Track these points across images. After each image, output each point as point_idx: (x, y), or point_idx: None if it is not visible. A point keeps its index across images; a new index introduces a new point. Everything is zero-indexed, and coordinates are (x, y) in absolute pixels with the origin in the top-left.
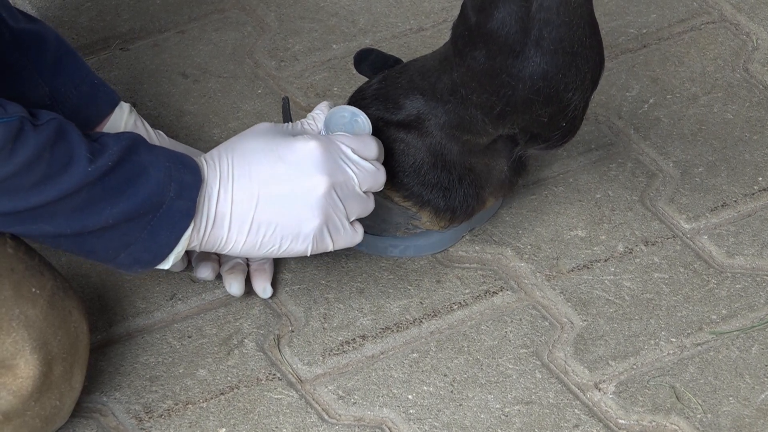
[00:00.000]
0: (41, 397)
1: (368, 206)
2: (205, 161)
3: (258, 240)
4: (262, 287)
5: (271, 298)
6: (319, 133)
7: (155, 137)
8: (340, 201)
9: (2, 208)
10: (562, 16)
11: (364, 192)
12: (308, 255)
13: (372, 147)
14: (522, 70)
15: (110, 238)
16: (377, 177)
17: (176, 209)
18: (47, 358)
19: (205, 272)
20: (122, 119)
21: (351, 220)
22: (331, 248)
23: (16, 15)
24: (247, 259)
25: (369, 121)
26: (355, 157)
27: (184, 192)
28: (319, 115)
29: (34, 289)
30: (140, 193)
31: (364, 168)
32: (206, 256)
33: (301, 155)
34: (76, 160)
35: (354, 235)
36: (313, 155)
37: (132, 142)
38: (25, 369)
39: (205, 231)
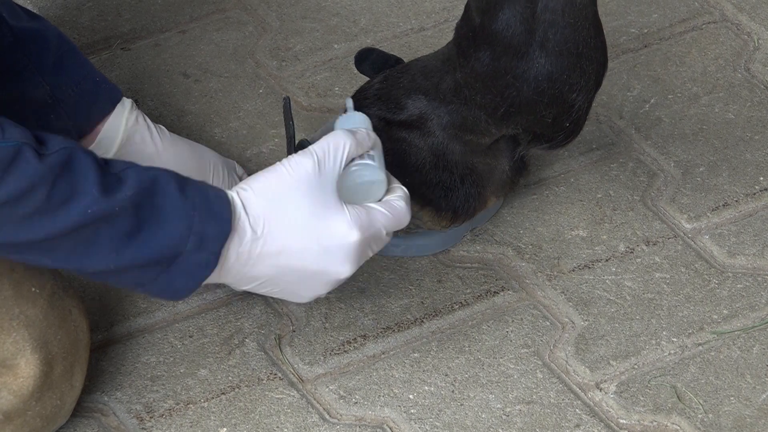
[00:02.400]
0: (42, 396)
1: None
2: (243, 206)
3: (263, 290)
4: None
5: (271, 297)
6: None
7: (157, 133)
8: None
9: None
10: (568, 18)
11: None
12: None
13: (404, 222)
14: (527, 72)
15: (120, 279)
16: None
17: (194, 261)
18: (48, 357)
19: None
20: (123, 116)
21: None
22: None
23: (17, 12)
24: None
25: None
26: (386, 239)
27: (205, 244)
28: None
29: (33, 289)
30: (152, 244)
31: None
32: None
33: (338, 244)
34: (78, 197)
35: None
36: (351, 249)
37: (154, 181)
38: (26, 369)
39: (216, 275)
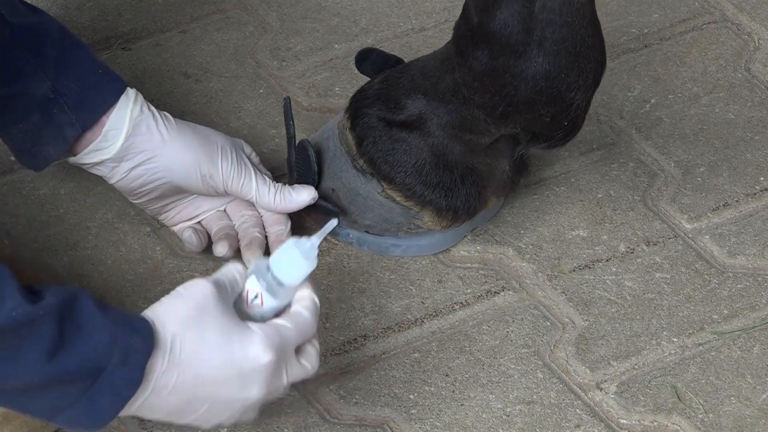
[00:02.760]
0: None
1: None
2: (157, 333)
3: (176, 418)
4: None
5: None
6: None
7: (162, 122)
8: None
9: None
10: (565, 17)
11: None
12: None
13: (310, 330)
14: (525, 71)
15: (42, 399)
16: (305, 374)
17: (119, 378)
18: None
19: (222, 250)
20: (128, 108)
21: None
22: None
23: (16, 8)
24: (264, 230)
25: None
26: (294, 360)
27: (129, 358)
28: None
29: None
30: (76, 354)
31: (299, 375)
32: (224, 234)
33: (252, 367)
34: (2, 301)
35: (307, 372)
36: (262, 368)
37: (73, 295)
38: None
39: (137, 398)
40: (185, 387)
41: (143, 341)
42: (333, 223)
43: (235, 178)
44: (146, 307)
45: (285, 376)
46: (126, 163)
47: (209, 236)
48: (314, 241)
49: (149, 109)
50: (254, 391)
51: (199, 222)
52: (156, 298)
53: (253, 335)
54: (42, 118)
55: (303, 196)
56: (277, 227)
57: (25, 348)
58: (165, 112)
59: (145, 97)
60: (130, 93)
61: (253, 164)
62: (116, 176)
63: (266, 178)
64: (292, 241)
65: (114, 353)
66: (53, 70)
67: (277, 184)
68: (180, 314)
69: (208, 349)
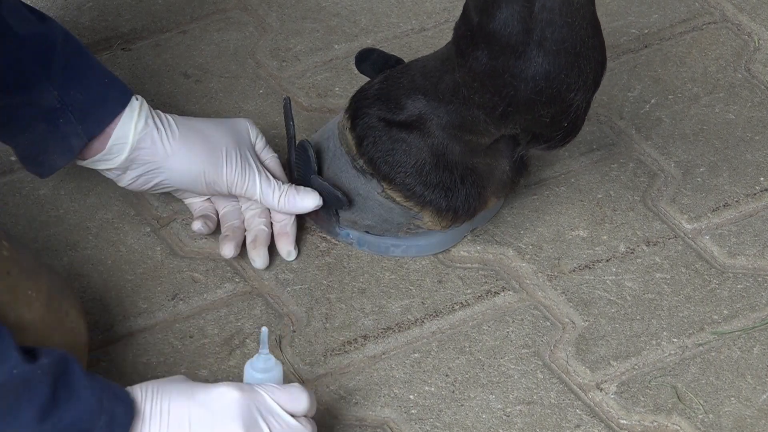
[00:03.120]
0: None
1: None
2: (133, 393)
3: None
4: (287, 251)
5: (272, 298)
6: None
7: (166, 134)
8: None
9: None
10: (565, 17)
11: None
12: None
13: (302, 401)
14: (524, 71)
15: (158, 299)
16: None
17: None
18: None
19: (228, 252)
20: (132, 120)
21: None
22: None
23: (23, 16)
24: (270, 222)
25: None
26: (280, 412)
27: (113, 424)
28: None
29: (30, 292)
30: (69, 415)
31: (288, 425)
32: (230, 231)
33: (220, 404)
34: (3, 359)
35: None
36: (233, 406)
37: (64, 357)
38: None
39: None
40: None
41: (125, 408)
42: (264, 331)
43: (239, 182)
44: (146, 307)
45: (266, 427)
46: (132, 172)
47: (218, 217)
48: (263, 352)
49: (154, 120)
50: (230, 427)
51: (208, 198)
52: (156, 297)
53: (220, 383)
54: (48, 127)
55: (307, 202)
56: (282, 217)
57: (21, 406)
58: (169, 118)
59: (145, 97)
60: (135, 104)
61: (257, 162)
62: (123, 182)
63: (270, 179)
64: (249, 363)
65: (101, 417)
66: (59, 79)
67: (282, 186)
68: (153, 381)
69: (177, 396)
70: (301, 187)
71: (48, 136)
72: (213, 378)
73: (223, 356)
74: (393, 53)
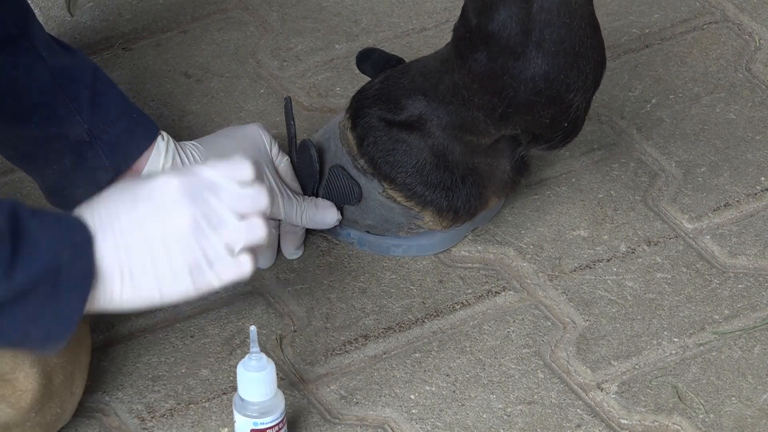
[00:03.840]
0: (42, 408)
1: (256, 232)
2: (83, 215)
3: (135, 287)
4: (291, 250)
5: (272, 298)
6: None
7: (196, 157)
8: (212, 231)
9: None
10: (563, 18)
11: (247, 217)
12: (194, 294)
13: (245, 169)
14: (523, 72)
15: (11, 318)
16: (257, 200)
17: (77, 269)
18: (46, 369)
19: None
20: (160, 158)
21: (236, 249)
22: (216, 283)
23: (53, 49)
24: (278, 224)
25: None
26: (225, 182)
27: (78, 252)
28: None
29: None
30: (34, 260)
31: (236, 192)
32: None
33: (159, 193)
34: None
35: (239, 266)
36: (172, 190)
37: (14, 208)
38: (25, 382)
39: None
40: (112, 244)
41: (82, 233)
42: (253, 329)
43: None
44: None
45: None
46: None
47: None
48: (254, 351)
49: (180, 156)
50: (175, 216)
51: None
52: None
53: (156, 175)
54: (76, 160)
55: (327, 219)
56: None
57: None
58: (194, 151)
59: (145, 97)
60: (161, 143)
61: (276, 179)
62: None
63: (291, 197)
64: (241, 363)
65: (64, 252)
66: (88, 112)
67: (302, 202)
68: (97, 197)
69: (117, 200)
70: (320, 202)
71: (75, 169)
72: (214, 378)
73: (224, 356)
74: (394, 53)
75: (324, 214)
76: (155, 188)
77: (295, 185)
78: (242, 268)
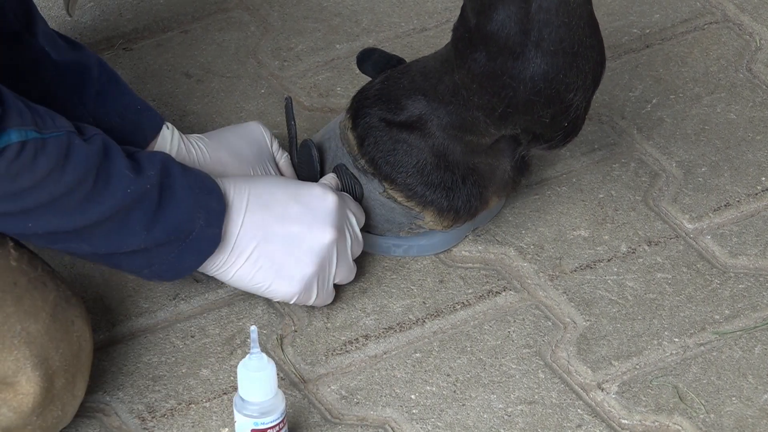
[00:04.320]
0: (43, 411)
1: (351, 274)
2: (223, 187)
3: (253, 271)
4: None
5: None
6: None
7: (196, 158)
8: (336, 258)
9: (48, 227)
10: (562, 17)
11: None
12: (291, 302)
13: (363, 217)
14: (523, 72)
15: (140, 258)
16: (361, 247)
17: (205, 237)
18: (48, 373)
19: None
20: (167, 142)
21: (334, 282)
22: (311, 302)
23: (57, 44)
24: None
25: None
26: (354, 222)
27: (212, 219)
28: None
29: (36, 303)
30: (172, 219)
31: (357, 235)
32: None
33: (318, 202)
34: (118, 179)
35: (329, 297)
36: (330, 206)
37: (165, 163)
38: (26, 386)
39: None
40: (255, 226)
41: (218, 203)
42: (254, 329)
43: None
44: (148, 307)
45: (348, 237)
46: None
47: None
48: (255, 351)
49: (185, 145)
50: (323, 230)
51: None
52: (157, 297)
53: (317, 184)
54: None
55: None
56: None
57: (131, 219)
58: (199, 142)
59: (146, 97)
60: (167, 133)
61: (277, 172)
62: None
63: None
64: (241, 364)
65: (200, 214)
66: (93, 106)
67: None
68: (249, 177)
69: (275, 190)
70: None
71: None
72: (215, 378)
73: (225, 356)
74: (394, 53)
75: None
76: (316, 195)
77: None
78: (330, 299)
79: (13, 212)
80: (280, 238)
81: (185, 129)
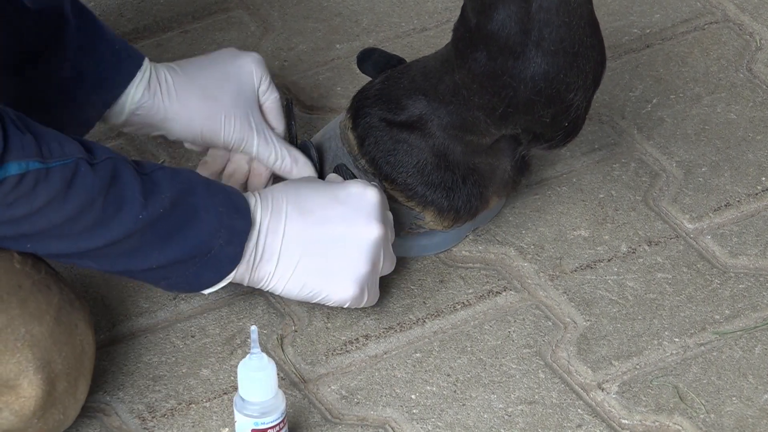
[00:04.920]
0: (44, 414)
1: (393, 266)
2: (259, 196)
3: (304, 279)
4: (252, 188)
5: (273, 297)
6: None
7: (167, 95)
8: (383, 253)
9: (50, 250)
10: (562, 17)
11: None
12: (346, 305)
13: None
14: (523, 72)
15: (155, 274)
16: (394, 235)
17: (224, 255)
18: (50, 376)
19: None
20: (137, 78)
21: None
22: (363, 303)
23: None
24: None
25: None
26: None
27: (234, 238)
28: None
29: (41, 305)
30: (190, 240)
31: (392, 223)
32: (209, 162)
33: (359, 199)
34: (128, 205)
35: (377, 296)
36: (372, 201)
37: (188, 183)
38: (28, 389)
39: (253, 265)
40: (298, 234)
41: (244, 220)
42: (254, 329)
43: (236, 144)
44: (148, 307)
45: (390, 228)
46: (131, 127)
47: None
48: (255, 351)
49: (156, 81)
50: (368, 225)
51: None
52: (158, 297)
53: (353, 181)
54: (64, 99)
55: (303, 174)
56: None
57: (146, 244)
58: (169, 78)
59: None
60: (143, 69)
61: (259, 121)
62: (122, 129)
63: (269, 141)
64: (242, 363)
65: (221, 234)
66: (73, 50)
67: (280, 153)
68: (285, 183)
69: (312, 194)
70: (300, 158)
71: (65, 109)
72: (215, 377)
73: (225, 355)
74: (394, 53)
75: (301, 171)
76: (355, 193)
77: (280, 127)
78: (376, 298)
79: (11, 236)
80: (326, 243)
81: None
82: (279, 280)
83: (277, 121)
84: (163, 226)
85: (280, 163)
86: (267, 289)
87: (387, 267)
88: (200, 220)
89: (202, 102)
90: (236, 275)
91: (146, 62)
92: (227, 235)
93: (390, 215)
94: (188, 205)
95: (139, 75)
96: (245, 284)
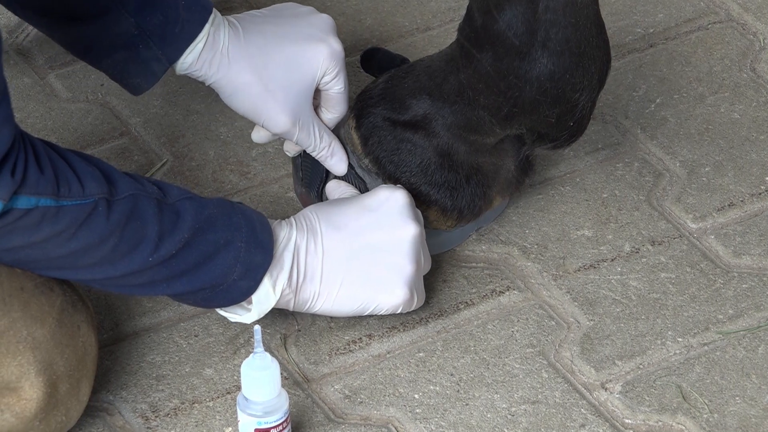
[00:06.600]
0: (46, 416)
1: (430, 263)
2: (294, 221)
3: (351, 293)
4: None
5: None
6: None
7: (227, 59)
8: (422, 251)
9: (48, 274)
10: (569, 17)
11: None
12: (399, 311)
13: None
14: (529, 72)
15: (161, 295)
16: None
17: (236, 288)
18: (52, 378)
19: (258, 136)
20: (203, 40)
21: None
22: (414, 305)
23: None
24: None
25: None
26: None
27: (249, 273)
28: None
29: (43, 307)
30: (201, 277)
31: (422, 222)
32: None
33: (387, 204)
34: (142, 245)
35: (424, 296)
36: (401, 201)
37: (208, 217)
38: (30, 391)
39: (297, 286)
40: (335, 249)
41: (264, 255)
42: (258, 329)
43: (275, 132)
44: (151, 306)
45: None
46: (190, 77)
47: None
48: (258, 350)
49: (213, 47)
50: (405, 226)
51: None
52: (161, 297)
53: (380, 187)
54: (128, 54)
55: (336, 168)
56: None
57: (155, 279)
58: (232, 37)
59: (150, 96)
60: (212, 22)
61: (309, 108)
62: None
63: (311, 133)
64: (245, 363)
65: (236, 269)
66: (134, 5)
67: (320, 144)
68: (316, 204)
69: (343, 208)
70: (337, 150)
71: (129, 63)
72: (218, 377)
73: (228, 355)
74: (398, 52)
75: (333, 163)
76: (383, 198)
77: (336, 115)
78: (423, 298)
79: (7, 261)
80: (366, 252)
81: (189, 128)
82: (327, 298)
83: (335, 110)
84: (176, 264)
85: (319, 152)
86: (315, 310)
87: (426, 265)
88: (216, 258)
89: (251, 85)
90: (280, 301)
91: (211, 18)
92: (242, 270)
93: (420, 213)
94: (207, 242)
95: (201, 34)
96: (291, 309)
